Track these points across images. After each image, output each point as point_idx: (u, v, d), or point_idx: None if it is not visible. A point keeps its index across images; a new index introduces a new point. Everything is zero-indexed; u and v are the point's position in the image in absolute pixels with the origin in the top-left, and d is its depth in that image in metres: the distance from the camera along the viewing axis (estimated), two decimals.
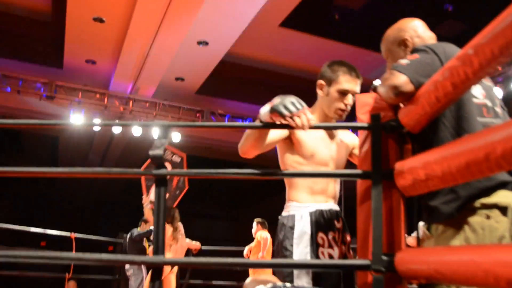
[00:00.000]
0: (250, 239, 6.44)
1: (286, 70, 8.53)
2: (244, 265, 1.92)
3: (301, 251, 1.93)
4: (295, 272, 1.90)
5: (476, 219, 1.40)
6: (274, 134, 1.90)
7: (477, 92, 1.57)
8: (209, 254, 6.43)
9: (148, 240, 6.18)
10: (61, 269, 6.74)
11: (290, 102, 1.57)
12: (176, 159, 5.96)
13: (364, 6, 7.16)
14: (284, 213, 2.03)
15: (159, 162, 1.60)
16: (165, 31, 6.51)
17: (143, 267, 6.18)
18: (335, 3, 7.15)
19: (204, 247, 6.54)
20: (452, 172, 1.26)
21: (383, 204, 1.51)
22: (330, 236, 1.95)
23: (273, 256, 2.02)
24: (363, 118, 1.64)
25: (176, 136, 8.24)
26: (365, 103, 1.67)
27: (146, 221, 6.47)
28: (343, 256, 1.98)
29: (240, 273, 5.87)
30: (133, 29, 6.55)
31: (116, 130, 7.94)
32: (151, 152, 1.60)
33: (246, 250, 6.22)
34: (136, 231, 6.29)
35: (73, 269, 6.31)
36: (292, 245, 1.94)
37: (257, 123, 1.73)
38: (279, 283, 1.68)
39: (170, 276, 5.97)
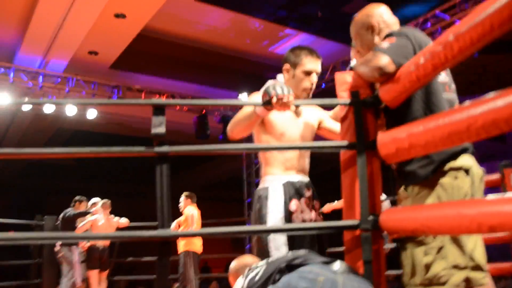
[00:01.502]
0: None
1: (203, 45, 8.50)
2: (247, 233, 2.04)
3: (275, 217, 2.11)
4: (272, 241, 2.07)
5: (446, 180, 1.66)
6: None
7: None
8: (139, 230, 6.39)
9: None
10: None
11: (279, 86, 1.79)
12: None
13: None
14: (260, 186, 2.24)
15: (161, 140, 1.65)
16: (81, 2, 6.17)
17: (75, 249, 6.00)
18: None
19: (132, 224, 6.51)
20: (435, 141, 1.49)
21: (366, 171, 1.72)
22: (303, 201, 2.15)
23: (252, 224, 2.17)
24: (343, 95, 1.83)
25: (92, 113, 7.93)
26: (344, 82, 1.85)
27: (80, 201, 6.26)
28: (314, 220, 2.19)
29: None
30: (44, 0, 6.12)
31: (26, 107, 7.43)
32: (153, 130, 1.65)
33: (174, 224, 6.27)
34: (71, 210, 6.07)
35: None
36: (267, 214, 2.11)
37: (242, 101, 1.86)
38: (255, 264, 1.79)
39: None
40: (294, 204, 2.13)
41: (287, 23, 8.09)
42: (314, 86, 2.24)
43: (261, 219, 2.13)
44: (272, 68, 8.15)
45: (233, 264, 1.99)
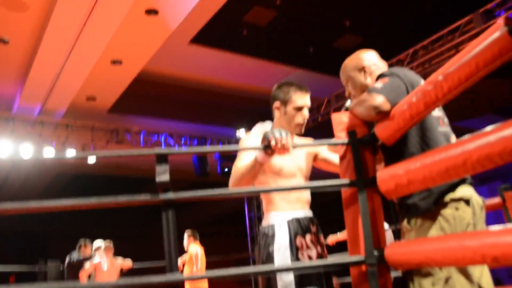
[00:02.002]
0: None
1: (199, 85, 8.66)
2: (254, 274, 2.06)
3: (282, 256, 2.12)
4: (279, 280, 2.08)
5: (447, 211, 1.70)
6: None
7: None
8: (140, 271, 6.32)
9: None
10: None
11: (276, 131, 1.86)
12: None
13: (269, 23, 7.56)
14: (264, 224, 2.23)
15: (165, 187, 1.70)
16: (78, 51, 6.32)
17: None
18: (243, 20, 7.45)
19: (135, 266, 6.46)
20: (432, 176, 1.54)
21: (368, 207, 1.76)
22: (308, 238, 2.16)
23: (261, 263, 2.17)
24: (340, 135, 1.88)
25: (92, 158, 7.97)
26: (340, 122, 1.91)
27: (85, 245, 6.22)
28: (319, 255, 2.20)
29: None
30: (43, 52, 6.26)
31: (26, 154, 7.47)
32: (157, 179, 1.69)
33: (179, 262, 6.23)
34: (76, 254, 6.02)
35: None
36: (273, 251, 2.12)
37: (241, 146, 1.93)
38: None
39: None
40: (299, 242, 2.14)
41: (280, 60, 8.26)
42: (305, 120, 2.27)
43: (268, 257, 2.13)
44: (266, 103, 8.25)
45: None
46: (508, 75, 7.71)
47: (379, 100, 1.73)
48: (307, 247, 2.16)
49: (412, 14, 7.43)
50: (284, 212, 2.19)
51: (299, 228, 2.16)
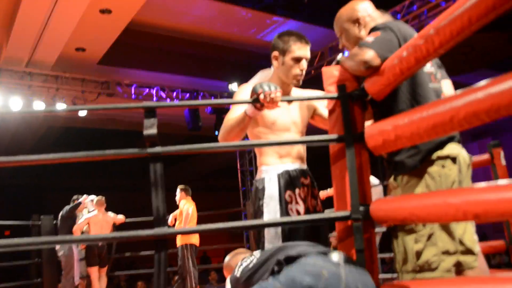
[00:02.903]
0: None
1: (191, 37, 8.49)
2: (243, 228, 2.09)
3: (271, 209, 2.14)
4: (266, 232, 2.11)
5: (434, 169, 1.71)
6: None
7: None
8: (132, 225, 6.43)
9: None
10: None
11: (265, 84, 1.84)
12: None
13: None
14: (256, 177, 2.24)
15: (153, 140, 1.69)
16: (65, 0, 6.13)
17: (74, 247, 6.04)
18: None
19: (127, 220, 6.56)
20: (420, 132, 1.54)
21: (355, 163, 1.77)
22: (297, 192, 2.17)
23: (253, 216, 2.19)
24: (330, 89, 1.86)
25: (82, 111, 7.90)
26: (331, 75, 1.88)
27: (77, 198, 6.30)
28: (313, 208, 2.21)
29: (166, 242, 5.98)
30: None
31: (15, 108, 7.40)
32: (145, 132, 1.68)
33: (170, 217, 6.32)
34: (68, 207, 6.10)
35: None
36: (263, 205, 2.14)
37: (232, 100, 1.92)
38: (249, 255, 1.83)
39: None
40: (288, 196, 2.15)
41: (274, 10, 8.08)
42: (304, 72, 2.22)
43: (258, 211, 2.15)
44: (261, 56, 8.14)
45: (227, 259, 2.04)
46: (505, 28, 7.60)
47: (369, 54, 1.70)
48: (296, 202, 2.17)
49: None
50: (274, 166, 2.19)
51: (289, 181, 2.16)
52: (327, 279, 1.43)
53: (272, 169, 2.18)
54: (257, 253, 1.78)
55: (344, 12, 2.03)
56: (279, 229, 2.11)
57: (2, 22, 6.93)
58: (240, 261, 1.80)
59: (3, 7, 6.56)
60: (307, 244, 1.68)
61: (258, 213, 2.15)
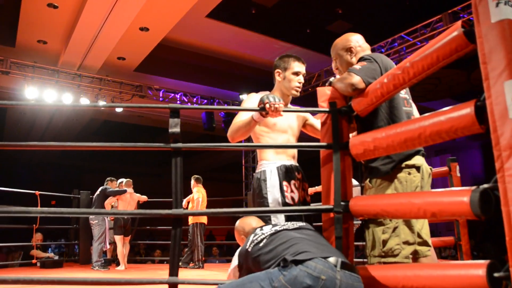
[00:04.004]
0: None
1: (211, 54, 8.52)
2: (245, 213, 2.10)
3: (273, 196, 2.13)
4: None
5: (402, 175, 1.73)
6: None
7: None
8: (154, 204, 6.46)
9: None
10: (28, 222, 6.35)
11: (271, 96, 1.86)
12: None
13: (275, 4, 7.37)
14: (257, 170, 2.24)
15: (176, 138, 1.71)
16: (113, 18, 6.18)
17: (106, 218, 6.07)
18: (252, 0, 7.26)
19: (149, 200, 6.57)
20: (394, 145, 1.56)
21: (340, 166, 1.78)
22: (292, 183, 2.18)
23: (253, 202, 2.20)
24: (323, 105, 1.88)
25: (119, 108, 7.93)
26: (324, 94, 1.90)
27: (111, 180, 6.30)
28: (303, 199, 2.22)
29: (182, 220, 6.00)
30: (85, 17, 6.12)
31: (66, 101, 7.43)
32: (170, 130, 1.70)
33: (184, 201, 6.33)
34: (108, 187, 6.10)
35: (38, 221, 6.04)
36: (267, 193, 2.13)
37: (242, 107, 1.95)
38: (259, 229, 1.73)
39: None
40: (285, 185, 2.15)
41: (281, 37, 8.10)
42: (301, 85, 2.26)
43: (261, 198, 2.14)
44: (267, 73, 8.16)
45: (240, 223, 1.97)
46: (465, 68, 7.63)
47: (356, 79, 1.72)
48: (292, 190, 2.18)
49: (393, 9, 7.29)
50: (273, 161, 2.20)
51: (286, 173, 2.17)
52: (324, 283, 1.38)
53: (271, 163, 2.20)
54: (267, 229, 1.68)
55: (339, 41, 2.05)
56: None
57: (63, 34, 6.98)
58: (253, 234, 1.69)
59: (64, 22, 6.61)
60: (315, 246, 1.51)
61: (262, 200, 2.14)
